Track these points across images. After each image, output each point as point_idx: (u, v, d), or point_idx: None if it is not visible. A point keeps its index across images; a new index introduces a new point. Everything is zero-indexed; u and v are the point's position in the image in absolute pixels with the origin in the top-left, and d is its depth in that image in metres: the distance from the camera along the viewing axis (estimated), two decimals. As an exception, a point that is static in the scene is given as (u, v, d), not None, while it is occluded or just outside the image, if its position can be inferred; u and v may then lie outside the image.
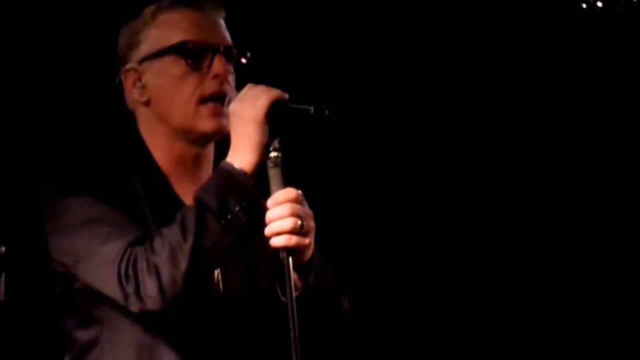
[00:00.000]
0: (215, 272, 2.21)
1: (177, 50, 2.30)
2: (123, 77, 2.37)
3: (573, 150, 5.25)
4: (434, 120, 5.30)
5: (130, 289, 2.11)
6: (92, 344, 2.29)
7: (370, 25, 5.04)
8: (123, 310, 2.19)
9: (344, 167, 5.01)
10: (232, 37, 2.45)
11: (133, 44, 2.36)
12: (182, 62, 2.30)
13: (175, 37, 2.31)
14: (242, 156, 2.16)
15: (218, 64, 2.31)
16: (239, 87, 2.35)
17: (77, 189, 2.24)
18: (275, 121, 2.18)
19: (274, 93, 2.18)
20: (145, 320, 2.17)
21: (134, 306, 2.13)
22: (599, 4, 4.73)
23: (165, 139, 2.34)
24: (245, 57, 2.37)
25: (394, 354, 5.29)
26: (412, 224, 5.33)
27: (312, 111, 2.18)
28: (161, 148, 2.34)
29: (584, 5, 4.76)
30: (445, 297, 5.35)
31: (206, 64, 2.31)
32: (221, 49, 2.33)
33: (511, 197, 5.36)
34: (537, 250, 5.37)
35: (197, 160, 2.36)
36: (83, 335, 2.30)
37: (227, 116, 2.27)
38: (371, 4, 4.97)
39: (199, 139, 2.33)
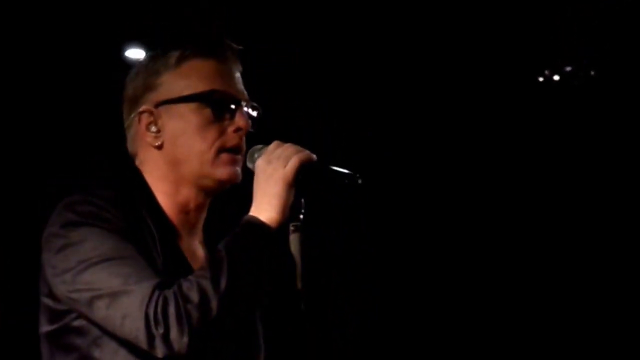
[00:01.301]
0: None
1: (203, 98, 2.26)
2: (136, 119, 2.32)
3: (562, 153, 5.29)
4: (434, 121, 5.31)
5: (158, 333, 2.06)
6: None
7: (370, 26, 5.05)
8: (128, 350, 2.17)
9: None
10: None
11: (150, 87, 2.29)
12: (206, 110, 2.25)
13: (202, 85, 2.27)
14: (267, 213, 2.14)
15: (241, 118, 2.27)
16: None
17: (94, 223, 2.15)
18: (302, 183, 2.16)
19: (304, 155, 2.16)
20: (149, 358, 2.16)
21: (159, 350, 2.07)
22: (556, 78, 4.82)
23: (172, 185, 2.29)
24: (258, 111, 2.36)
25: (394, 354, 5.30)
26: (412, 224, 5.33)
27: (346, 181, 2.17)
28: (167, 194, 2.29)
29: (541, 79, 4.85)
30: (444, 297, 5.36)
31: (228, 115, 2.27)
32: (243, 103, 2.30)
33: (510, 197, 5.37)
34: (535, 250, 5.38)
35: (199, 210, 2.31)
36: None
37: (241, 165, 2.27)
38: (372, 5, 4.98)
39: (211, 187, 2.28)
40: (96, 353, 2.19)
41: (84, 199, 2.18)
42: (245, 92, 2.32)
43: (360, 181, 2.13)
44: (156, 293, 2.07)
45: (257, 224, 2.13)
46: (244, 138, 2.28)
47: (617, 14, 4.66)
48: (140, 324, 2.07)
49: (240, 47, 2.34)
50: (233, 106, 2.28)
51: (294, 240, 2.18)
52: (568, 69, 4.84)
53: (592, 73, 4.83)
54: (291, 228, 2.17)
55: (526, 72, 5.00)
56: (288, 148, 2.17)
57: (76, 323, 2.18)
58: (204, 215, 2.32)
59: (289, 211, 2.15)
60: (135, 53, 5.11)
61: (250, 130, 2.29)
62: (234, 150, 2.26)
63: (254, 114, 2.32)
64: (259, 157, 2.21)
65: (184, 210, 2.30)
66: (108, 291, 2.10)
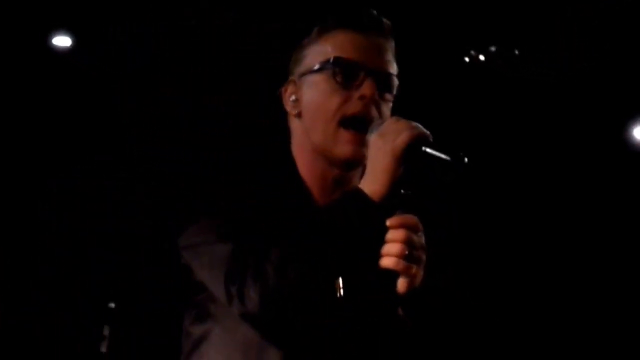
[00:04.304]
0: (339, 279, 2.18)
1: (330, 65, 2.24)
2: (283, 90, 2.32)
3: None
4: (439, 120, 5.30)
5: (234, 289, 2.07)
6: (202, 339, 2.23)
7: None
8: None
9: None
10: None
11: (298, 60, 2.31)
12: (334, 78, 2.23)
13: (331, 54, 2.25)
14: (372, 185, 2.08)
15: (367, 86, 2.21)
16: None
17: (213, 188, 2.22)
18: (412, 159, 2.09)
19: (417, 131, 2.09)
20: (256, 319, 2.13)
21: (236, 308, 2.08)
22: (482, 57, 4.80)
23: (309, 154, 2.27)
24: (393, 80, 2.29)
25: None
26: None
27: (450, 160, 2.12)
28: (306, 163, 2.28)
29: (467, 59, 4.82)
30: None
31: (356, 83, 2.22)
32: (375, 71, 2.24)
33: (512, 198, 5.37)
34: (537, 251, 5.39)
35: (338, 182, 2.26)
36: (196, 330, 2.24)
37: (366, 144, 2.17)
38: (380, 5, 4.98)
39: (337, 162, 2.23)
40: (211, 308, 2.22)
41: (214, 169, 2.25)
42: (386, 64, 2.28)
43: (466, 160, 2.06)
44: (241, 252, 2.10)
45: (358, 194, 2.09)
46: (371, 108, 2.22)
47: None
48: (221, 282, 2.10)
49: (386, 21, 2.30)
50: (361, 74, 2.23)
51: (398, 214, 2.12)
52: (493, 48, 4.83)
53: (516, 52, 4.83)
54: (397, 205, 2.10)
55: (452, 52, 4.96)
56: (402, 123, 2.12)
57: (195, 278, 2.22)
58: (347, 186, 2.24)
59: (396, 186, 2.09)
60: (62, 41, 5.00)
61: (386, 96, 2.25)
62: (357, 119, 2.21)
63: (395, 83, 2.27)
64: (375, 131, 2.15)
65: (321, 180, 2.28)
66: (202, 249, 2.16)
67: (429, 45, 4.78)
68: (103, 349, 4.54)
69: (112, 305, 4.60)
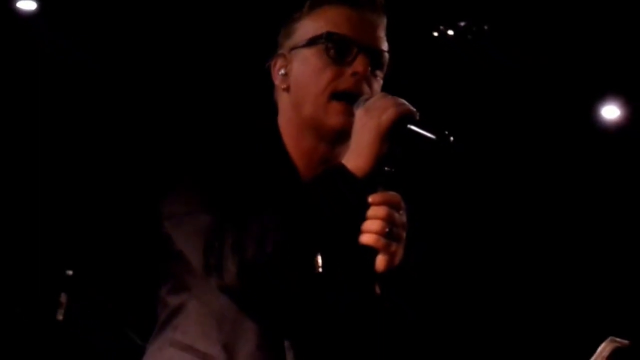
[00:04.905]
0: (318, 255, 2.16)
1: (322, 40, 2.26)
2: (272, 63, 2.35)
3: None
4: (439, 117, 5.29)
5: (212, 261, 2.08)
6: (179, 309, 2.26)
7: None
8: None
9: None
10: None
11: (288, 34, 2.33)
12: (326, 53, 2.25)
13: (324, 28, 2.27)
14: (356, 161, 2.10)
15: (359, 62, 2.24)
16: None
17: (198, 159, 2.23)
18: (397, 137, 2.09)
19: (403, 108, 2.10)
20: (233, 292, 2.14)
21: (214, 279, 2.10)
22: (450, 32, 4.78)
23: (296, 129, 2.29)
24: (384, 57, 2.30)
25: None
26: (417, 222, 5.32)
27: (435, 138, 2.07)
28: (292, 138, 2.30)
29: (435, 34, 4.81)
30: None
31: (349, 59, 2.25)
32: (368, 48, 2.26)
33: (510, 198, 5.39)
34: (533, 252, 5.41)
35: (324, 160, 2.28)
36: (172, 300, 2.28)
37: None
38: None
39: (327, 135, 2.25)
40: (188, 279, 2.24)
41: (201, 137, 2.25)
42: (379, 41, 2.30)
43: (451, 138, 2.07)
44: (221, 223, 2.10)
45: (341, 169, 2.10)
46: (362, 84, 2.24)
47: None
48: (200, 253, 2.11)
49: None
50: (354, 50, 2.25)
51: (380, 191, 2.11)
52: (462, 23, 4.83)
53: (486, 27, 4.82)
54: (380, 182, 2.10)
55: (421, 27, 4.94)
56: (389, 99, 2.12)
57: (175, 248, 2.23)
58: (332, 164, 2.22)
59: (380, 162, 2.10)
60: (27, 4, 4.99)
61: (377, 73, 2.27)
62: (348, 94, 2.22)
63: (386, 60, 2.29)
64: (361, 106, 2.16)
65: (308, 157, 2.29)
66: (183, 219, 2.18)
67: (398, 20, 4.77)
68: (59, 316, 4.55)
69: (70, 272, 4.59)
